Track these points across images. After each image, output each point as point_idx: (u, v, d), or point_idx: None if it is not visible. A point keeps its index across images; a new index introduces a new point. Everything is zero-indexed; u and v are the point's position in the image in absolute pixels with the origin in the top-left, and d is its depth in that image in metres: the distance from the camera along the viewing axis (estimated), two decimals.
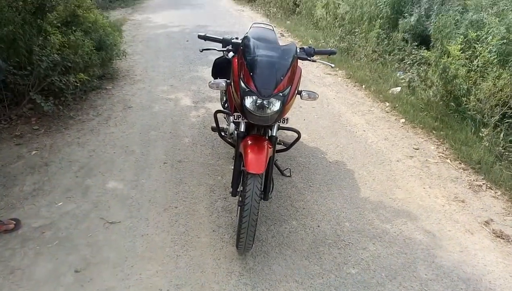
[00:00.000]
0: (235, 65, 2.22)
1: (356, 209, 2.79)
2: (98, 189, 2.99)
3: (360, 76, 5.34)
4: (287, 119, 2.39)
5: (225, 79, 2.32)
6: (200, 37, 2.51)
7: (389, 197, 2.95)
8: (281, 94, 2.10)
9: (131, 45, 7.35)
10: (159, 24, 9.29)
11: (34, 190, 2.97)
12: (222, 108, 3.21)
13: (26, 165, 3.30)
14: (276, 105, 2.10)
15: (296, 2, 9.81)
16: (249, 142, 2.22)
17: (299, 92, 2.34)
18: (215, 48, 2.55)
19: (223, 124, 3.38)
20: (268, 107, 2.08)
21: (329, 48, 2.43)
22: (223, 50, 2.46)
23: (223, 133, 2.84)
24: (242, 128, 2.32)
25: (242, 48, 2.25)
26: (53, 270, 2.23)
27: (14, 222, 2.56)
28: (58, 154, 3.47)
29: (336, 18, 7.40)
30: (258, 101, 2.07)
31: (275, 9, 9.91)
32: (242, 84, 2.12)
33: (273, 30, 3.55)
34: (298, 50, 2.35)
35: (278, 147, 2.96)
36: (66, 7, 4.92)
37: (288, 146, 2.78)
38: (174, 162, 3.36)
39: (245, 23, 9.25)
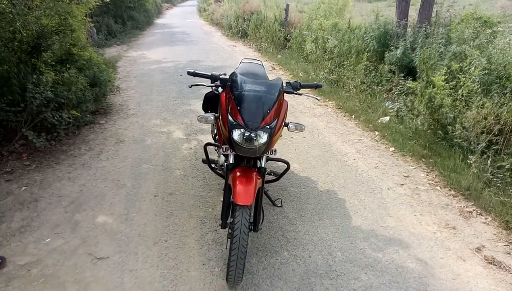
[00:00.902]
0: (223, 100, 2.28)
1: (347, 238, 2.78)
2: (87, 223, 2.96)
3: (349, 107, 5.45)
4: (275, 151, 2.42)
5: (214, 113, 2.38)
6: (189, 73, 2.59)
7: (380, 225, 2.95)
8: (268, 126, 2.15)
9: (125, 81, 7.50)
10: (153, 60, 9.50)
11: (22, 226, 2.94)
12: (212, 141, 3.25)
13: (15, 200, 3.28)
14: (263, 138, 2.14)
15: (287, 37, 10.12)
16: (238, 174, 2.24)
17: (286, 124, 2.39)
18: (204, 84, 2.61)
19: (214, 156, 3.41)
20: (255, 140, 2.12)
21: (315, 82, 2.51)
22: (211, 86, 2.52)
23: (213, 165, 2.87)
24: (231, 160, 2.34)
25: (229, 83, 2.31)
26: None
27: (0, 261, 2.51)
28: (48, 189, 3.45)
29: (325, 52, 7.63)
30: (245, 134, 2.11)
31: (266, 44, 10.21)
32: (230, 117, 2.17)
33: (262, 65, 3.66)
34: (284, 85, 2.42)
35: (268, 178, 2.99)
36: (62, 45, 5.05)
37: (278, 176, 2.81)
38: (165, 194, 3.35)
39: (237, 58, 9.49)
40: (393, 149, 4.22)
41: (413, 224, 2.96)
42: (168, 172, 3.74)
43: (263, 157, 2.37)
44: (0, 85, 4.18)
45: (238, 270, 2.06)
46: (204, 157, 2.76)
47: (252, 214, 2.15)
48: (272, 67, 8.44)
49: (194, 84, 2.66)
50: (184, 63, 8.97)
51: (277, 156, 3.98)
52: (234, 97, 2.20)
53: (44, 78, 4.09)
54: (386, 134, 4.51)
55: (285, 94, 2.52)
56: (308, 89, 2.53)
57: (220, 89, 2.85)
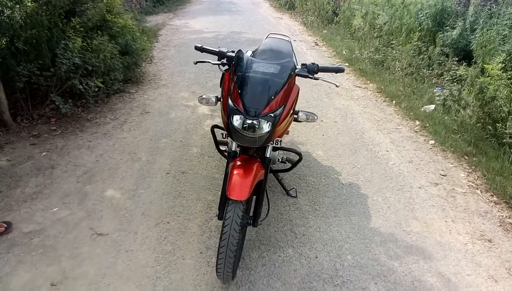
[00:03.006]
0: (226, 80, 2.05)
1: (362, 240, 2.51)
2: (95, 196, 2.92)
3: (391, 91, 4.99)
4: (280, 141, 2.16)
5: (216, 95, 2.15)
6: (196, 48, 2.37)
7: (403, 229, 2.64)
8: (271, 114, 1.90)
9: (164, 50, 7.44)
10: (195, 30, 9.35)
11: (35, 193, 2.95)
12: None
13: (33, 166, 3.31)
14: (264, 127, 1.90)
15: (336, 11, 9.52)
16: (238, 163, 2.04)
17: (296, 113, 2.11)
18: (210, 61, 2.39)
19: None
20: (255, 129, 1.89)
21: (336, 65, 2.18)
22: (217, 64, 2.29)
23: (221, 147, 2.68)
24: (234, 147, 2.14)
25: (234, 62, 2.07)
26: (29, 281, 2.16)
27: (5, 226, 2.53)
28: (66, 157, 3.46)
29: (373, 29, 7.05)
30: (246, 121, 1.88)
31: (313, 18, 9.67)
32: (230, 101, 1.95)
33: (290, 41, 3.35)
34: (297, 67, 2.12)
35: (282, 166, 2.76)
36: (97, 11, 4.99)
37: (290, 167, 2.57)
38: (177, 172, 3.23)
39: (280, 31, 9.09)
40: (433, 142, 3.79)
41: (441, 231, 2.62)
42: (185, 149, 3.61)
43: (269, 146, 2.14)
44: (31, 49, 4.20)
45: (226, 269, 1.89)
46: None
47: (247, 209, 1.94)
48: (315, 43, 7.98)
49: (199, 60, 2.44)
50: (224, 34, 8.73)
51: (301, 140, 3.76)
52: (236, 78, 1.96)
53: (70, 44, 4.06)
54: (427, 125, 4.06)
55: (301, 78, 2.23)
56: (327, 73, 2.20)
57: (225, 68, 2.61)
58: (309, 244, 2.46)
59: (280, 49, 3.08)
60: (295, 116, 2.25)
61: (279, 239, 2.50)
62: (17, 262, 2.29)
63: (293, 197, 2.93)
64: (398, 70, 5.56)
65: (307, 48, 7.50)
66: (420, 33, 5.64)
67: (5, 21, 4.22)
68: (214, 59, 2.34)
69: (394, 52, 5.90)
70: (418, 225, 2.68)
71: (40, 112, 4.34)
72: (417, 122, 4.17)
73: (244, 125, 1.88)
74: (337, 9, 9.43)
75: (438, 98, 4.44)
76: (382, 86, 5.19)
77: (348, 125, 4.17)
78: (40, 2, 4.58)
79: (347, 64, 6.40)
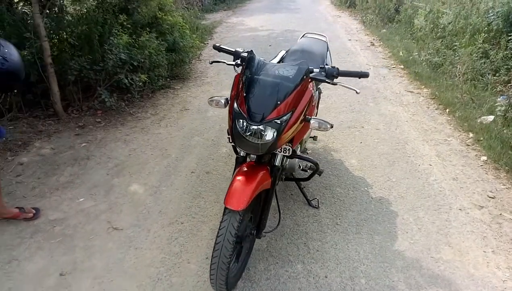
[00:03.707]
0: (235, 82, 1.95)
1: (381, 264, 2.29)
2: (120, 190, 3.00)
3: (446, 98, 4.55)
4: (288, 149, 2.01)
5: (226, 97, 2.07)
6: (214, 47, 2.31)
7: (431, 255, 2.36)
8: (277, 121, 1.77)
9: None
10: (249, 27, 9.36)
11: (67, 182, 3.11)
12: None
13: (72, 156, 3.49)
14: (268, 134, 1.77)
15: (398, 9, 8.96)
16: (243, 169, 1.94)
17: (308, 120, 1.95)
18: (225, 61, 2.31)
19: None
20: (258, 135, 1.77)
21: (359, 70, 1.97)
22: (232, 64, 2.20)
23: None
24: (242, 152, 2.04)
25: (244, 64, 1.97)
26: (42, 268, 2.25)
27: (34, 212, 2.68)
28: (102, 149, 3.61)
29: (436, 28, 6.50)
30: (249, 127, 1.77)
31: (372, 16, 9.19)
32: (235, 105, 1.85)
33: (326, 41, 3.17)
34: (312, 71, 1.96)
35: (304, 174, 2.62)
36: (148, 9, 5.15)
37: (307, 177, 2.42)
38: (201, 172, 3.21)
39: (336, 30, 8.81)
40: (485, 158, 3.38)
41: (477, 263, 2.30)
42: (215, 148, 3.59)
43: (278, 154, 2.02)
44: (84, 43, 4.45)
45: (219, 281, 1.81)
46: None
47: (255, 218, 1.82)
48: (371, 42, 7.58)
49: (215, 60, 2.38)
50: (278, 32, 8.63)
51: (335, 147, 3.55)
52: (244, 81, 1.86)
53: (116, 40, 4.21)
54: (482, 138, 3.63)
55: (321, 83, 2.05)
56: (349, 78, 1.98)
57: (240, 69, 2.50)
58: (321, 261, 2.29)
59: (313, 50, 2.93)
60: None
61: (290, 252, 2.36)
62: (37, 248, 2.40)
63: (315, 207, 2.76)
64: (459, 74, 5.06)
65: (361, 49, 7.14)
66: (486, 34, 5.08)
67: (66, 18, 4.51)
68: (231, 59, 2.26)
69: (455, 54, 5.37)
70: (450, 253, 2.38)
71: (89, 105, 4.58)
72: (471, 135, 3.75)
73: (247, 131, 1.78)
74: (400, 6, 8.87)
75: (499, 108, 3.96)
76: (436, 92, 4.76)
77: (391, 133, 3.87)
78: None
79: (402, 66, 5.98)
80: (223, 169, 3.25)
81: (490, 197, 2.89)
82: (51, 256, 2.34)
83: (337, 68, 1.96)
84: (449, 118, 4.17)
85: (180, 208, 2.77)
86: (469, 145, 3.62)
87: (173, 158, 3.45)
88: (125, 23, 4.55)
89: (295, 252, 2.36)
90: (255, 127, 1.76)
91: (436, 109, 4.44)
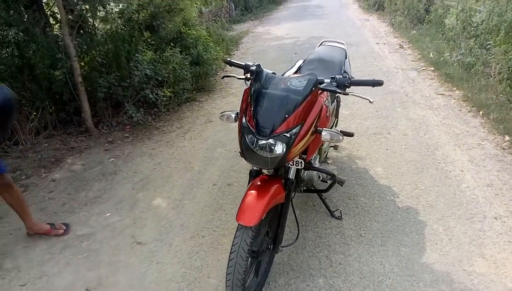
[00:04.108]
0: (245, 97, 1.95)
1: (408, 277, 2.18)
2: (144, 204, 3.06)
3: (480, 100, 4.33)
4: (301, 163, 1.97)
5: (237, 112, 2.06)
6: (225, 62, 2.32)
7: (463, 268, 2.22)
8: (286, 134, 1.74)
9: (242, 58, 7.60)
10: (275, 36, 9.39)
11: (95, 197, 3.21)
12: None
13: (100, 171, 3.61)
14: (278, 148, 1.75)
15: (428, 9, 8.68)
16: (256, 183, 1.92)
17: (319, 131, 1.91)
18: (235, 75, 2.31)
19: None
20: (267, 149, 1.75)
21: (372, 78, 1.90)
22: (242, 78, 2.20)
23: None
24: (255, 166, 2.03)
25: (252, 78, 1.96)
26: (70, 284, 2.32)
27: (64, 228, 2.78)
28: (129, 163, 3.70)
29: (467, 28, 6.21)
30: (257, 142, 1.76)
31: (401, 18, 8.95)
32: (244, 119, 1.84)
33: (345, 49, 3.10)
34: (321, 82, 1.91)
35: (323, 185, 2.56)
36: (173, 26, 5.29)
37: (325, 188, 2.36)
38: (223, 184, 3.22)
39: (364, 34, 8.66)
40: None
41: None
42: (237, 160, 3.59)
43: (291, 167, 1.99)
44: (111, 61, 4.62)
45: None
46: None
47: (254, 236, 1.79)
48: (399, 45, 7.37)
49: (226, 75, 2.38)
50: (303, 40, 8.59)
51: (360, 154, 3.45)
52: (251, 94, 1.85)
53: (140, 57, 4.34)
54: None
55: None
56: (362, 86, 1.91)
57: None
58: (344, 275, 2.22)
59: (331, 59, 2.89)
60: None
61: (311, 266, 2.30)
62: (65, 264, 2.49)
63: (338, 218, 2.69)
64: (493, 74, 4.80)
65: (389, 52, 6.95)
66: None
67: (95, 38, 4.72)
68: (241, 73, 2.25)
69: (489, 54, 5.11)
70: (485, 265, 2.23)
71: (118, 120, 4.74)
72: (507, 138, 3.53)
73: (256, 146, 1.76)
74: (430, 6, 8.58)
75: None
76: (469, 94, 4.54)
77: (419, 139, 3.72)
78: (123, 18, 5.02)
79: (432, 68, 5.76)
80: (244, 181, 3.24)
81: None
82: (78, 272, 2.41)
83: (349, 78, 1.91)
84: (483, 121, 3.96)
85: (202, 221, 2.78)
86: (505, 149, 3.41)
87: (196, 170, 3.49)
88: (149, 39, 4.67)
89: (316, 266, 2.30)
90: (264, 141, 1.74)
91: (468, 112, 4.23)
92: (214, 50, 5.83)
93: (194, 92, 5.49)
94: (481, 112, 4.12)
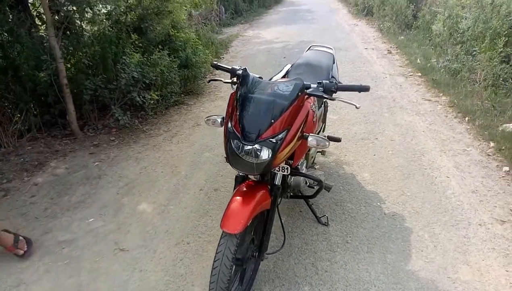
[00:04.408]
0: (231, 101, 1.92)
1: (394, 285, 2.17)
2: (128, 209, 3.00)
3: (466, 106, 4.37)
4: (287, 168, 1.96)
5: (223, 116, 2.03)
6: (212, 65, 2.29)
7: (448, 275, 2.22)
8: (272, 139, 1.72)
9: (231, 61, 7.57)
10: (265, 40, 9.39)
11: (78, 202, 3.14)
12: None
13: (85, 175, 3.54)
14: (263, 153, 1.72)
15: (416, 15, 8.78)
16: (242, 189, 1.89)
17: (305, 137, 1.89)
18: (221, 79, 2.28)
19: None
20: (253, 155, 1.72)
21: (359, 84, 1.89)
22: (228, 82, 2.17)
23: None
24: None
25: (238, 82, 1.93)
26: None
27: (26, 249, 2.51)
28: (114, 167, 3.64)
29: (456, 33, 6.30)
30: (243, 147, 1.73)
31: (389, 24, 9.04)
32: (229, 124, 1.81)
33: (333, 54, 3.10)
34: (308, 87, 1.90)
35: (309, 191, 2.54)
36: (162, 28, 5.24)
37: (312, 194, 2.34)
38: (210, 189, 3.18)
39: (353, 39, 8.71)
40: (507, 168, 3.20)
41: (498, 283, 2.15)
42: (224, 165, 3.55)
43: (277, 173, 1.96)
44: (98, 63, 4.55)
45: None
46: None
47: (238, 244, 1.76)
48: (388, 50, 7.43)
49: (212, 79, 2.35)
50: (293, 44, 8.61)
51: (347, 160, 3.45)
52: (237, 98, 1.82)
53: (128, 59, 4.28)
54: (504, 147, 3.45)
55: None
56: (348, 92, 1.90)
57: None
58: (330, 283, 2.20)
59: (318, 63, 2.88)
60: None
61: (297, 274, 2.28)
62: (45, 271, 2.42)
63: (324, 224, 2.67)
64: (478, 81, 4.86)
65: (377, 57, 7.01)
66: (507, 38, 4.87)
67: (81, 39, 4.64)
68: (229, 77, 2.22)
69: (474, 60, 5.18)
70: (469, 272, 2.23)
71: (104, 123, 4.67)
72: (492, 144, 3.57)
73: (242, 151, 1.74)
74: (418, 12, 8.69)
75: None
76: (455, 100, 4.58)
77: (406, 144, 3.74)
78: (111, 20, 4.95)
79: (419, 74, 5.82)
80: (231, 186, 3.17)
81: None
82: (57, 279, 2.35)
83: (335, 83, 1.90)
84: (469, 127, 4.00)
85: (187, 227, 2.74)
86: (490, 155, 3.44)
87: (183, 175, 3.44)
88: (137, 42, 4.62)
89: (302, 273, 2.28)
90: (249, 147, 1.72)
91: (454, 117, 4.26)
92: (203, 53, 5.79)
93: (182, 95, 5.44)
94: (466, 118, 4.16)
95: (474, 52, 5.35)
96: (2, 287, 2.28)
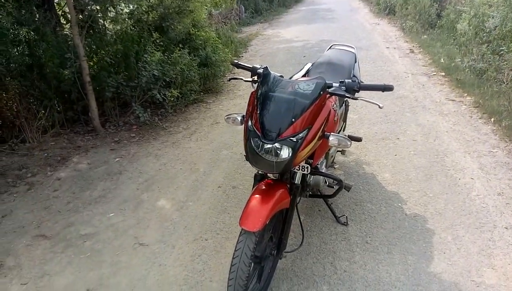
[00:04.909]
0: (251, 100, 1.91)
1: (414, 287, 2.12)
2: (148, 204, 3.04)
3: (492, 106, 4.24)
4: (307, 168, 1.94)
5: (243, 114, 2.03)
6: (232, 64, 2.29)
7: (472, 278, 2.16)
8: (293, 138, 1.71)
9: (250, 60, 7.58)
10: (284, 39, 9.36)
11: (99, 197, 3.20)
12: None
13: (106, 170, 3.60)
14: (284, 152, 1.71)
15: (440, 14, 8.58)
16: (261, 188, 1.89)
17: (327, 136, 1.86)
18: (242, 78, 2.27)
19: None
20: (273, 153, 1.71)
21: (383, 83, 1.85)
22: (249, 81, 2.16)
23: None
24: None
25: (259, 81, 1.92)
26: (70, 284, 2.30)
27: None
28: (134, 163, 3.69)
29: (479, 33, 6.12)
30: (263, 146, 1.72)
31: (412, 22, 8.87)
32: (249, 123, 1.81)
33: (355, 53, 3.06)
34: (330, 86, 1.87)
35: (329, 190, 2.51)
36: (183, 27, 5.29)
37: (332, 194, 2.31)
38: (228, 186, 3.19)
39: (374, 38, 8.59)
40: None
41: None
42: (242, 162, 3.56)
43: (296, 172, 1.95)
44: (120, 61, 4.63)
45: None
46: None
47: (258, 242, 1.75)
48: (410, 50, 7.29)
49: (232, 77, 2.35)
50: (313, 42, 8.55)
51: (368, 160, 3.40)
52: (257, 97, 1.82)
53: (149, 58, 4.34)
54: None
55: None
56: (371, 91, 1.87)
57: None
58: (349, 283, 2.17)
59: (340, 62, 2.85)
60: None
61: (315, 272, 2.26)
62: (67, 263, 2.47)
63: (343, 224, 2.64)
64: (505, 81, 4.71)
65: (399, 56, 6.88)
66: None
67: (104, 38, 4.73)
68: (249, 75, 2.22)
69: (501, 60, 5.02)
70: (494, 276, 2.16)
71: (125, 120, 4.75)
72: None
73: (261, 150, 1.73)
74: (442, 11, 8.49)
75: None
76: (480, 100, 4.46)
77: (429, 145, 3.65)
78: (133, 19, 5.03)
79: (443, 73, 5.69)
80: (249, 184, 3.19)
81: None
82: (79, 272, 2.39)
83: (358, 82, 1.87)
84: (495, 128, 3.88)
85: (205, 224, 2.75)
86: None
87: (201, 172, 3.46)
88: (158, 40, 4.67)
89: (321, 272, 2.26)
90: (269, 145, 1.71)
91: (479, 118, 4.14)
92: (223, 52, 5.81)
93: (201, 93, 5.48)
94: (492, 119, 4.04)
95: (502, 52, 5.19)
96: (27, 277, 2.35)
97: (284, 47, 8.45)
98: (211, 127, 4.47)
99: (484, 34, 6.05)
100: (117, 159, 3.81)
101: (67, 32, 4.76)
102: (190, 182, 3.31)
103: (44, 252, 2.57)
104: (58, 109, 4.45)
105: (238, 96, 5.48)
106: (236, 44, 8.15)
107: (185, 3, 5.11)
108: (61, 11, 5.11)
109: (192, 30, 5.44)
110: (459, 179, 3.10)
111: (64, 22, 5.05)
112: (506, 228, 2.53)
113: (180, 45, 5.04)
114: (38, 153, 3.91)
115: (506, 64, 4.78)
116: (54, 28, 4.67)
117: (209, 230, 2.68)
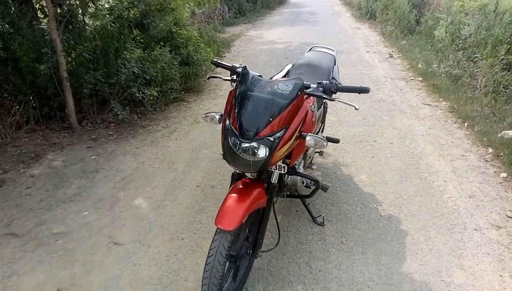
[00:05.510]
0: (229, 99, 1.91)
1: (387, 287, 2.16)
2: (124, 203, 2.99)
3: (465, 111, 4.37)
4: (284, 167, 1.95)
5: (221, 113, 2.02)
6: (212, 63, 2.28)
7: (442, 278, 2.21)
8: (270, 138, 1.71)
9: (232, 60, 7.56)
10: (267, 40, 9.39)
11: (74, 195, 3.13)
12: None
13: (82, 168, 3.53)
14: (261, 151, 1.71)
15: (419, 20, 8.79)
16: (238, 187, 1.89)
17: (303, 136, 1.88)
18: (221, 76, 2.27)
19: None
20: (250, 153, 1.71)
21: (359, 85, 1.88)
22: (228, 79, 2.16)
23: None
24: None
25: (237, 80, 1.92)
26: (41, 284, 2.24)
27: None
28: (111, 161, 3.63)
29: (455, 40, 6.30)
30: (240, 145, 1.72)
31: (392, 28, 9.05)
32: (227, 122, 1.81)
33: (334, 55, 3.10)
34: (308, 86, 1.89)
35: (306, 191, 2.53)
36: (164, 25, 5.23)
37: (308, 194, 2.33)
38: (206, 186, 3.18)
39: (355, 42, 8.71)
40: (505, 175, 3.19)
41: (492, 289, 2.14)
42: (222, 162, 3.53)
43: (273, 171, 1.96)
44: (99, 57, 4.54)
45: None
46: None
47: (233, 241, 1.75)
48: (389, 54, 7.43)
49: (211, 76, 2.35)
50: (295, 45, 8.61)
51: (345, 161, 3.44)
52: (236, 97, 1.82)
53: (128, 55, 4.28)
54: (502, 154, 3.44)
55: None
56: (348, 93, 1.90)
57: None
58: (323, 283, 2.19)
59: (319, 64, 2.87)
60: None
61: (291, 272, 2.27)
62: (38, 262, 2.41)
63: (320, 225, 2.66)
64: (479, 87, 4.86)
65: (379, 61, 7.01)
66: (509, 46, 4.87)
67: (83, 34, 4.63)
68: (228, 74, 2.22)
69: (475, 66, 5.18)
70: (463, 276, 2.23)
71: (103, 118, 4.66)
72: (490, 150, 3.56)
73: (239, 149, 1.73)
74: (421, 18, 8.69)
75: None
76: (455, 105, 4.58)
77: (404, 148, 3.73)
78: (113, 15, 4.95)
79: (420, 78, 5.82)
80: (228, 183, 3.14)
81: (509, 217, 2.72)
82: (50, 271, 2.33)
83: (335, 84, 1.89)
84: (468, 133, 3.99)
85: (182, 223, 2.73)
86: (488, 161, 3.44)
87: (180, 171, 3.43)
88: (138, 37, 4.61)
89: (296, 272, 2.27)
90: (246, 144, 1.71)
91: (454, 123, 4.26)
92: (205, 51, 5.79)
93: (182, 92, 5.44)
94: (466, 123, 4.16)
95: (476, 59, 5.36)
96: None
97: (266, 49, 8.47)
98: (191, 126, 4.44)
99: (460, 41, 6.23)
100: (93, 157, 3.74)
101: (44, 27, 4.64)
102: (168, 181, 3.28)
103: (13, 250, 2.50)
104: (34, 105, 4.34)
105: (219, 96, 5.47)
106: (218, 44, 8.13)
107: (166, 0, 5.06)
108: (38, 4, 4.98)
109: (174, 28, 5.40)
110: (433, 182, 3.17)
111: (42, 16, 4.92)
112: (476, 229, 2.61)
113: (161, 43, 4.99)
114: (11, 149, 3.80)
115: (480, 71, 4.93)
116: (30, 22, 4.54)
117: (185, 230, 2.66)
